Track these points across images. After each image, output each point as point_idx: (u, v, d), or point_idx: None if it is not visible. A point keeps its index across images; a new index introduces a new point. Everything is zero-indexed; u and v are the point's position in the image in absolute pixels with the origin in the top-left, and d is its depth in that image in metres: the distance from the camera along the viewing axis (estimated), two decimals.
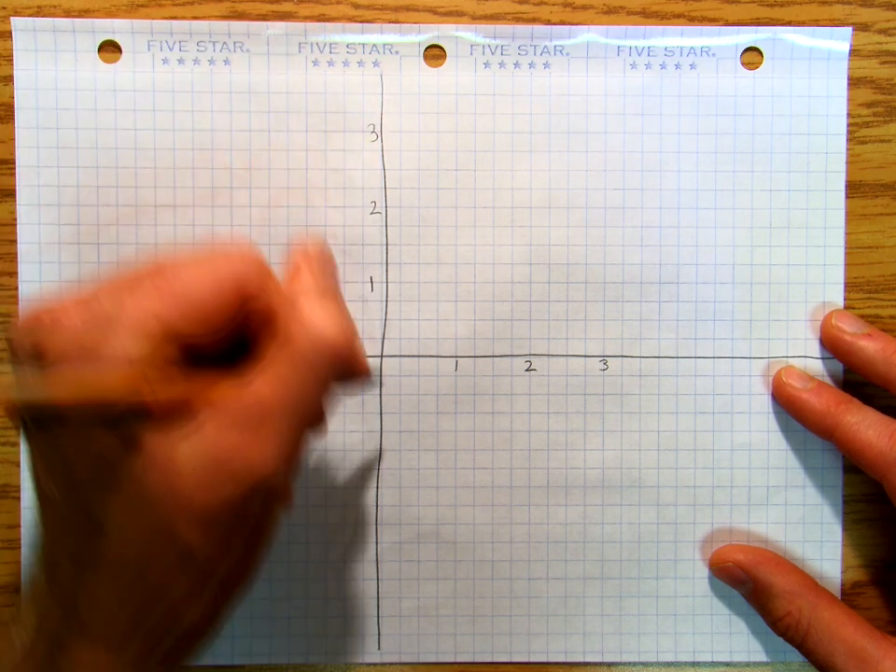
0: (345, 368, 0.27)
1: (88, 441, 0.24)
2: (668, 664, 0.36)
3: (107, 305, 0.25)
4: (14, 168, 0.34)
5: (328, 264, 0.29)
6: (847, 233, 0.36)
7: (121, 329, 0.25)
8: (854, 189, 0.36)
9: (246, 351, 0.28)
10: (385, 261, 0.35)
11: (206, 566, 0.27)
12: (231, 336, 0.27)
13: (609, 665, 0.36)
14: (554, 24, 0.35)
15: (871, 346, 0.34)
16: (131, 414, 0.24)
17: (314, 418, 0.27)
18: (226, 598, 0.28)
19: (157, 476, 0.25)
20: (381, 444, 0.35)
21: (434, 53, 0.35)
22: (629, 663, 0.36)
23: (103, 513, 0.26)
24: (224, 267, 0.26)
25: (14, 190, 0.34)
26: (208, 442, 0.25)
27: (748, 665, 0.36)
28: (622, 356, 0.36)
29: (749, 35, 0.35)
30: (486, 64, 0.35)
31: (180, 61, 0.34)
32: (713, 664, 0.36)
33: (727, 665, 0.36)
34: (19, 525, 0.35)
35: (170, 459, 0.25)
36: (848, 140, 0.35)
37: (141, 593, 0.26)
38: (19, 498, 0.35)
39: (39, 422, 0.22)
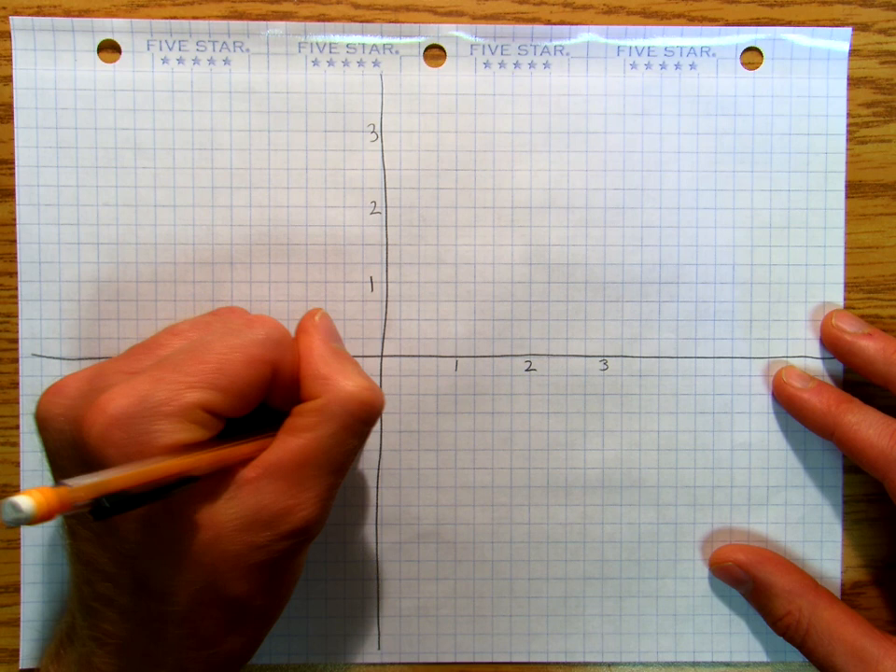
0: (374, 422, 0.29)
1: (138, 513, 0.26)
2: (668, 664, 0.36)
3: (149, 388, 0.26)
4: (14, 168, 0.34)
5: (332, 328, 0.31)
6: (847, 233, 0.36)
7: (168, 416, 0.26)
8: (854, 189, 0.36)
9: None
10: (384, 261, 0.35)
11: (250, 608, 0.28)
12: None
13: (610, 664, 0.36)
14: (554, 24, 0.35)
15: (871, 346, 0.34)
16: (178, 486, 0.25)
17: (346, 470, 0.29)
18: (264, 628, 0.30)
19: (202, 537, 0.27)
20: (381, 444, 0.35)
21: (434, 53, 0.35)
22: (629, 663, 0.36)
23: (154, 577, 0.27)
24: (260, 354, 0.28)
25: (14, 190, 0.34)
26: (249, 500, 0.27)
27: (748, 664, 0.36)
28: (622, 356, 0.36)
29: (748, 36, 0.35)
30: (486, 64, 0.35)
31: (180, 60, 0.34)
32: (713, 664, 0.36)
33: (727, 664, 0.36)
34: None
35: (213, 520, 0.27)
36: (848, 140, 0.35)
37: (192, 646, 0.28)
38: None
39: (103, 510, 0.23)
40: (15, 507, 0.21)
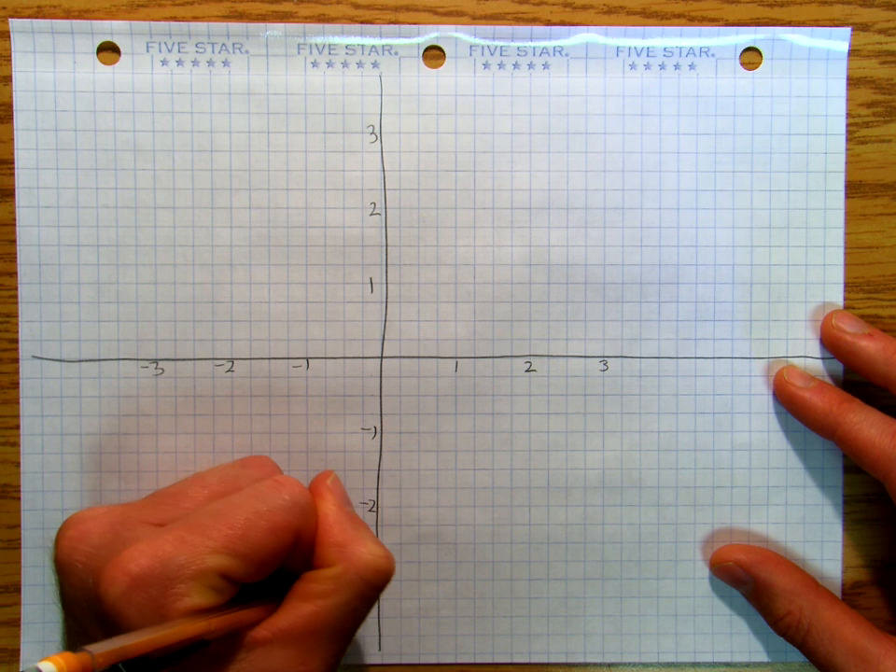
0: (384, 588, 0.30)
1: None
2: (669, 664, 0.36)
3: (172, 550, 0.26)
4: (13, 168, 0.34)
5: (344, 492, 0.32)
6: (846, 233, 0.36)
7: (188, 580, 0.26)
8: (854, 189, 0.36)
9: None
10: (384, 262, 0.35)
11: None
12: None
13: (610, 665, 0.36)
14: (554, 24, 0.35)
15: (871, 346, 0.34)
16: (189, 651, 0.26)
17: (353, 635, 0.30)
18: None
19: None
20: (381, 445, 0.35)
21: (433, 54, 0.35)
22: (630, 663, 0.36)
23: None
24: (285, 521, 0.28)
25: (13, 190, 0.34)
26: (259, 664, 0.27)
27: (748, 665, 0.36)
28: (622, 356, 0.36)
29: (747, 36, 0.35)
30: (486, 65, 0.35)
31: (179, 62, 0.34)
32: (714, 664, 0.36)
33: (728, 665, 0.36)
34: (19, 525, 0.35)
35: None
36: (848, 140, 0.35)
37: None
38: (19, 499, 0.35)
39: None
40: None
